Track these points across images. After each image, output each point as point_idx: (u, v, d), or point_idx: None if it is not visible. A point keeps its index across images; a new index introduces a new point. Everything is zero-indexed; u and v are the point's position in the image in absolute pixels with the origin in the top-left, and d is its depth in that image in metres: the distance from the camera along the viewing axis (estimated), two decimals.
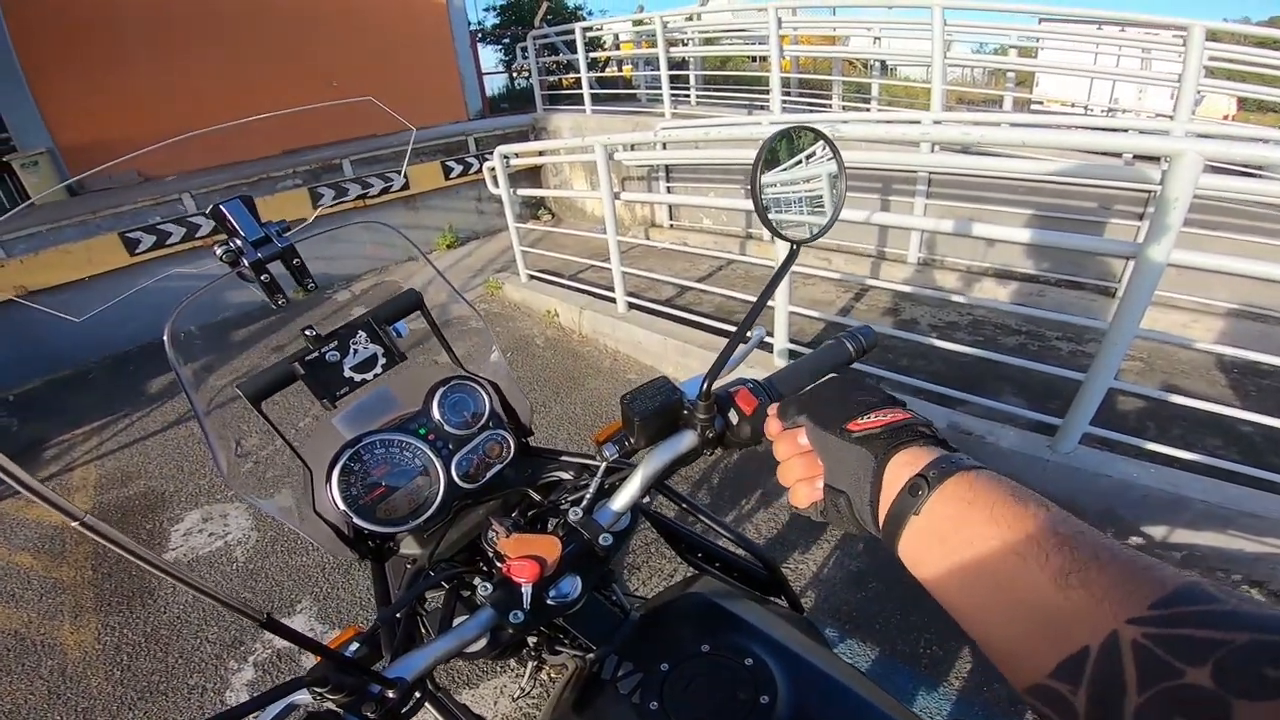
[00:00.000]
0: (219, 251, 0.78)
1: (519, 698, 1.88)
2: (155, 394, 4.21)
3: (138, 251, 4.90)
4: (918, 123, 4.10)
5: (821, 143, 0.76)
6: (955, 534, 0.44)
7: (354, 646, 0.70)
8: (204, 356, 0.85)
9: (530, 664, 1.07)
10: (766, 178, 0.73)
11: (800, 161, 0.79)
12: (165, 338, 0.77)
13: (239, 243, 0.79)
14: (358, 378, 0.85)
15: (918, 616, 2.03)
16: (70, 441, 3.80)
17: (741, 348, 0.96)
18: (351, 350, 0.84)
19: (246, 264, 0.79)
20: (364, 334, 0.86)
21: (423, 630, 0.87)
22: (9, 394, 4.49)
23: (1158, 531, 2.10)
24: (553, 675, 1.15)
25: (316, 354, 0.82)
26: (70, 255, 4.67)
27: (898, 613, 2.05)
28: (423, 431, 0.88)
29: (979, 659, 1.88)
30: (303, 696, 0.58)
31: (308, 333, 0.82)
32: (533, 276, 4.83)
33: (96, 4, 5.86)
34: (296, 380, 0.81)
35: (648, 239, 5.70)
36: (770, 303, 2.87)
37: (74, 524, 0.37)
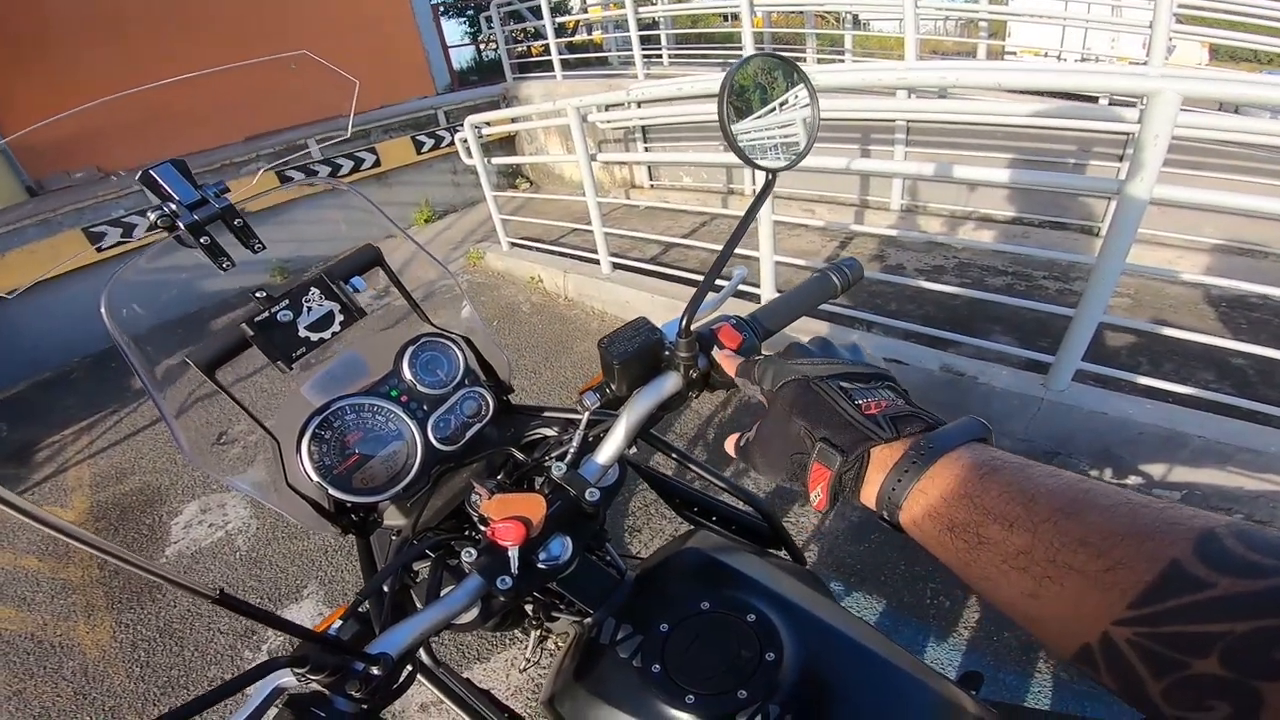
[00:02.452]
0: (153, 217, 0.72)
1: (526, 668, 1.88)
2: (139, 390, 4.15)
3: (103, 245, 4.78)
4: (893, 71, 4.03)
5: (783, 67, 0.71)
6: (936, 532, 0.42)
7: (338, 624, 0.67)
8: (151, 327, 0.80)
9: (535, 633, 1.05)
10: (742, 123, 0.69)
11: (773, 106, 0.75)
12: (102, 308, 0.73)
13: (173, 206, 0.73)
14: (314, 337, 0.80)
15: (922, 566, 2.03)
16: (61, 442, 3.76)
17: (725, 286, 0.92)
18: (305, 308, 0.80)
19: (183, 227, 0.74)
20: (317, 291, 0.82)
21: (416, 604, 0.84)
22: None
23: (1156, 470, 2.09)
24: (558, 644, 1.14)
25: (266, 314, 0.77)
26: (35, 255, 4.55)
27: (902, 563, 2.05)
28: (394, 394, 0.84)
29: (987, 608, 1.88)
30: (287, 678, 0.56)
31: (258, 295, 0.77)
32: (514, 244, 4.78)
33: None
34: (249, 345, 0.77)
35: (628, 199, 5.63)
36: (755, 253, 2.84)
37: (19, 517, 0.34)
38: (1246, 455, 1.93)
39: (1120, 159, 3.55)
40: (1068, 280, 3.42)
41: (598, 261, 3.91)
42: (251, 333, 0.76)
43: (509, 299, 4.41)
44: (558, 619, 0.85)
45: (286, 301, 0.79)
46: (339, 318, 0.82)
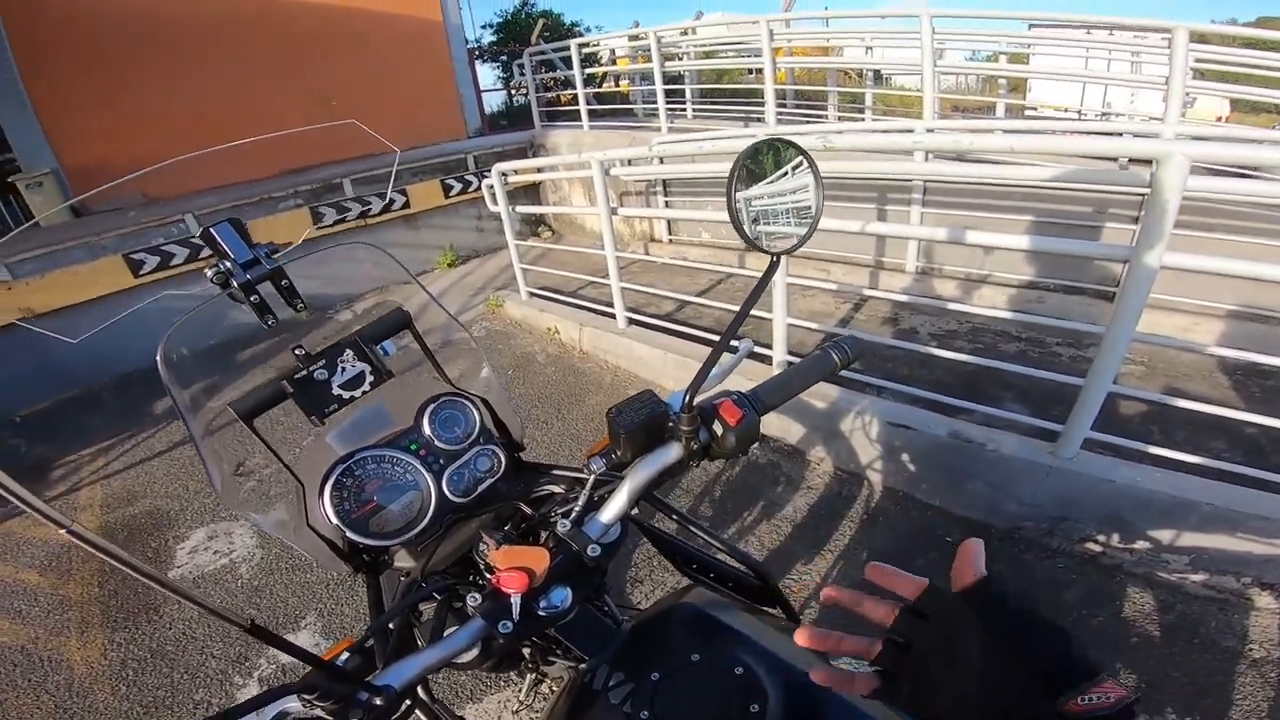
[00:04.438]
0: (210, 274, 0.80)
1: (518, 710, 1.87)
2: (160, 415, 4.23)
3: (142, 273, 4.94)
4: (911, 131, 4.12)
5: (793, 153, 0.77)
6: None
7: (345, 656, 0.71)
8: (199, 377, 0.87)
9: (529, 676, 1.07)
10: (750, 191, 0.74)
11: (785, 173, 0.80)
12: (158, 358, 0.79)
13: (229, 265, 0.81)
14: (346, 395, 0.87)
15: None
16: (77, 461, 3.83)
17: (729, 359, 0.97)
18: (339, 368, 0.86)
19: (236, 285, 0.81)
20: (351, 352, 0.88)
21: (418, 643, 0.87)
22: (17, 414, 4.52)
23: (1164, 535, 2.08)
24: (553, 688, 1.16)
25: (305, 372, 0.84)
26: (77, 277, 4.71)
27: None
28: (414, 447, 0.89)
29: None
30: (292, 704, 0.59)
31: (297, 352, 0.83)
32: (533, 294, 4.85)
33: (102, 26, 5.93)
34: (286, 398, 0.83)
35: (647, 254, 5.72)
36: (768, 315, 2.90)
37: (61, 531, 0.38)
38: (1256, 522, 1.91)
39: (1135, 220, 3.55)
40: (1081, 347, 3.43)
41: (614, 315, 3.95)
42: (291, 390, 0.82)
43: (525, 348, 4.46)
44: (554, 663, 0.88)
45: (323, 361, 0.85)
46: (369, 378, 0.88)
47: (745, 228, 0.73)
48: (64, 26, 5.77)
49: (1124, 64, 5.10)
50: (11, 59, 5.57)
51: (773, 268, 0.76)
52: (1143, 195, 3.37)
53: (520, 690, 1.94)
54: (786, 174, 0.80)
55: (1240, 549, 1.96)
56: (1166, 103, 3.67)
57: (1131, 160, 3.54)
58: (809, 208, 0.78)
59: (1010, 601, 0.49)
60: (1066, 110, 7.42)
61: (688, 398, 0.71)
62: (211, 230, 0.82)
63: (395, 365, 0.95)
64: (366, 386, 0.89)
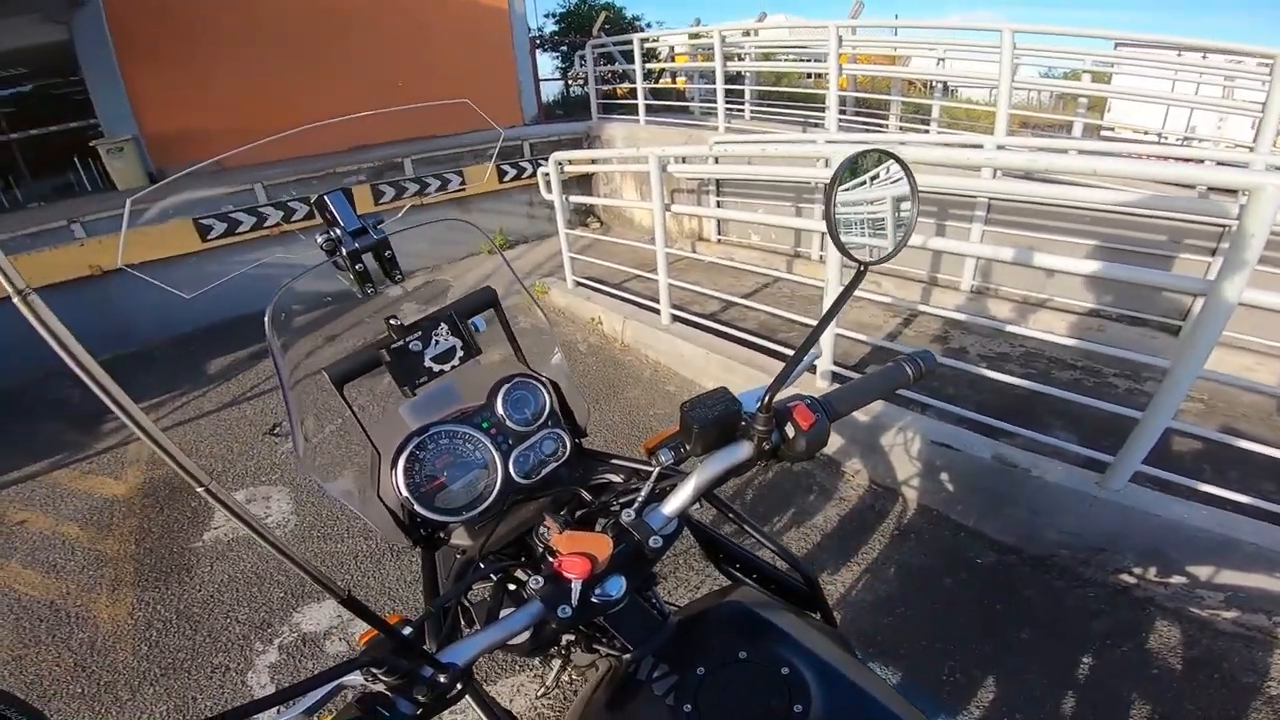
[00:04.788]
0: (320, 239, 0.82)
1: (540, 696, 1.89)
2: (213, 375, 4.38)
3: (210, 238, 5.14)
4: (980, 146, 4.02)
5: (893, 164, 0.76)
6: None
7: (407, 630, 0.73)
8: (300, 339, 0.89)
9: (556, 663, 1.08)
10: (847, 198, 0.74)
11: (864, 183, 0.79)
12: (266, 319, 0.82)
13: (338, 232, 0.83)
14: (437, 368, 0.89)
15: (943, 643, 2.00)
16: None
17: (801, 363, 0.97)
18: (433, 341, 0.88)
19: (344, 253, 0.83)
20: (445, 326, 0.90)
21: (463, 621, 0.89)
22: None
23: (1203, 572, 2.03)
24: (574, 677, 1.17)
25: (401, 343, 0.86)
26: (147, 237, 4.92)
27: (924, 639, 2.02)
28: (486, 425, 0.91)
29: (1002, 689, 1.86)
30: (353, 678, 0.60)
31: (392, 322, 0.85)
32: (579, 283, 4.88)
33: (192, 6, 6.23)
34: (380, 366, 0.85)
35: (694, 252, 5.70)
36: (815, 323, 2.86)
37: (199, 489, 0.40)
38: None
39: (1213, 253, 3.43)
40: (1139, 380, 3.31)
41: (658, 311, 3.95)
42: (389, 359, 0.84)
43: (567, 337, 4.50)
44: (597, 650, 0.89)
45: (419, 333, 0.87)
46: (460, 353, 0.90)
47: (840, 235, 0.72)
48: (156, 2, 6.04)
49: (1214, 89, 4.88)
50: (107, 31, 5.86)
51: (859, 276, 0.76)
52: (1224, 227, 3.24)
53: (539, 677, 1.96)
54: (868, 184, 0.79)
55: (1278, 589, 1.91)
56: (1259, 130, 3.50)
57: (1213, 190, 3.40)
58: (904, 220, 0.77)
59: None
60: (1146, 133, 7.14)
61: (768, 398, 0.72)
62: (326, 198, 0.84)
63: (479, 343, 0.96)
64: (456, 361, 0.90)
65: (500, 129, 1.39)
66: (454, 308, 0.92)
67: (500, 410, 0.92)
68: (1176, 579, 2.08)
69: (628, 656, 0.76)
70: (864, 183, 0.79)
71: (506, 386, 0.94)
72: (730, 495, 2.77)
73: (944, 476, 2.56)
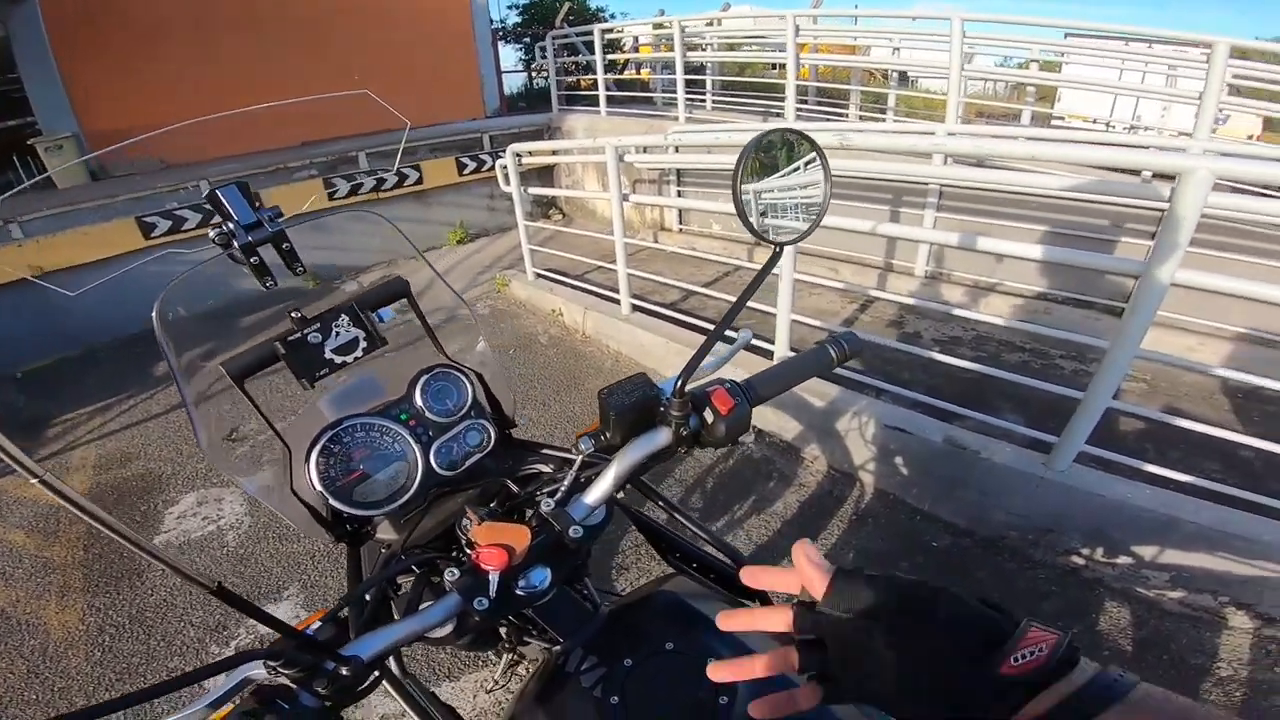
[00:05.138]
0: (212, 234, 0.80)
1: (491, 690, 1.89)
2: (160, 377, 4.25)
3: (153, 235, 4.96)
4: (931, 134, 4.08)
5: (803, 144, 0.76)
6: None
7: (317, 625, 0.71)
8: (196, 336, 0.86)
9: (506, 657, 1.07)
10: (759, 183, 0.73)
11: (795, 167, 0.79)
12: (154, 314, 0.79)
13: (231, 226, 0.81)
14: (338, 360, 0.86)
15: None
16: (74, 420, 3.85)
17: (726, 348, 0.96)
18: (333, 333, 0.86)
19: (238, 246, 0.81)
20: (346, 317, 0.88)
21: (394, 615, 0.87)
22: (18, 371, 4.54)
23: (1148, 552, 2.08)
24: (529, 670, 1.16)
25: (298, 335, 0.84)
26: (87, 237, 4.73)
27: None
28: (404, 417, 0.89)
29: None
30: (258, 671, 0.59)
31: (293, 315, 0.83)
32: (540, 275, 4.86)
33: None
34: (278, 360, 0.83)
35: (656, 242, 5.70)
36: (772, 310, 2.88)
37: (33, 481, 0.38)
38: (1239, 542, 1.92)
39: (1152, 237, 3.49)
40: (1084, 361, 3.41)
41: (618, 301, 3.95)
42: (283, 351, 0.82)
43: (528, 329, 4.47)
44: (529, 644, 0.88)
45: (318, 325, 0.85)
46: (363, 344, 0.88)
47: (751, 217, 0.72)
48: None
49: (1159, 78, 5.02)
50: (42, 25, 5.62)
51: (774, 258, 0.75)
52: (1162, 210, 3.34)
53: (497, 670, 1.96)
54: (797, 167, 0.79)
55: (1221, 568, 1.97)
56: (1198, 118, 3.61)
57: (1155, 175, 3.50)
58: (816, 202, 0.77)
59: (895, 580, 0.48)
60: (1094, 121, 7.32)
61: (679, 383, 0.71)
62: (217, 192, 0.82)
63: (395, 338, 0.94)
64: (359, 353, 0.88)
65: (407, 121, 1.36)
66: (356, 299, 0.90)
67: (419, 401, 0.91)
68: (1123, 559, 2.13)
69: (557, 648, 0.75)
70: (786, 168, 0.78)
71: (426, 378, 0.92)
72: (690, 482, 2.78)
73: (899, 460, 2.60)
